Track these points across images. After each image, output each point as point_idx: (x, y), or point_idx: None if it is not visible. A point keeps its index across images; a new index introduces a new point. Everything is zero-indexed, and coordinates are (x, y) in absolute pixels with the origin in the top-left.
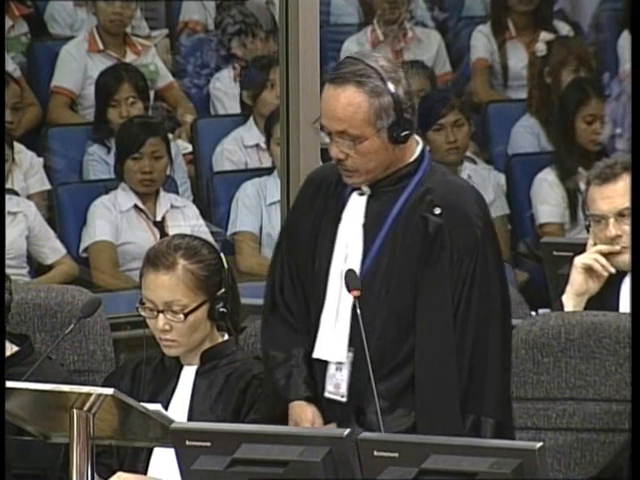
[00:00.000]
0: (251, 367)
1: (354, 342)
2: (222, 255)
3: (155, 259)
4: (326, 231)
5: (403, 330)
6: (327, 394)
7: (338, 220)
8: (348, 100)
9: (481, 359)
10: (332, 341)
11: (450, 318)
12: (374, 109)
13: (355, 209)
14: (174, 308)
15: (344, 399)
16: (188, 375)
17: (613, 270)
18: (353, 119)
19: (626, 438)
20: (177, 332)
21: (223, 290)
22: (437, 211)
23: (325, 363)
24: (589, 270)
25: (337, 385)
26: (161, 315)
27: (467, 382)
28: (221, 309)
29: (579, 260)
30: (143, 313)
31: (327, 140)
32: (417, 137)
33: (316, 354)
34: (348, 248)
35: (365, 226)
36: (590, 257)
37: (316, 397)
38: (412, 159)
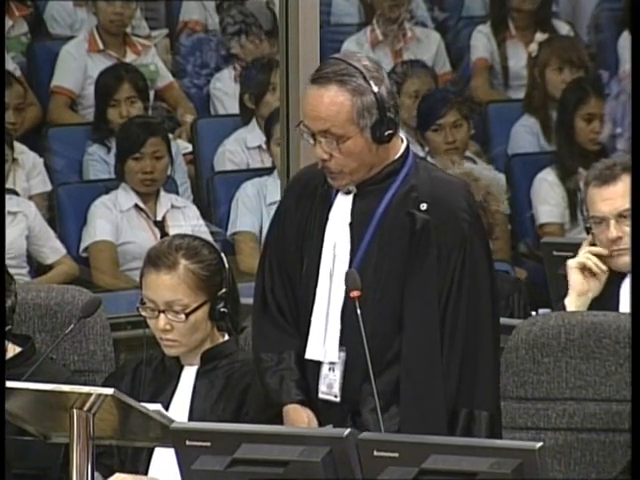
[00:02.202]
0: (252, 368)
1: (345, 342)
2: (223, 255)
3: (156, 259)
4: (313, 231)
5: (393, 328)
6: (320, 394)
7: (325, 220)
8: (331, 99)
9: (473, 353)
10: (323, 341)
11: (436, 314)
12: (357, 108)
13: (341, 208)
14: (175, 308)
15: (337, 399)
16: (188, 375)
17: (605, 268)
18: (336, 118)
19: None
20: (178, 332)
21: (224, 290)
22: (423, 207)
23: (318, 364)
24: (584, 269)
25: (330, 385)
26: (162, 315)
27: (459, 377)
28: (222, 309)
29: (572, 261)
30: (144, 313)
31: (311, 141)
32: (401, 135)
33: (308, 355)
34: (336, 248)
35: (352, 225)
36: (582, 256)
37: (310, 400)
38: (397, 156)
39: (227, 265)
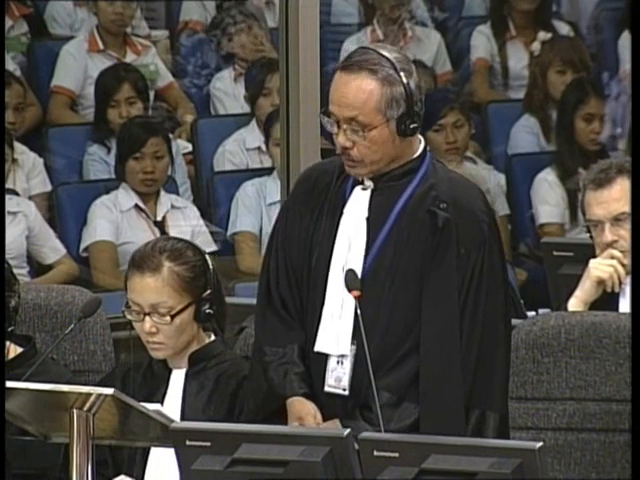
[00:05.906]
0: (241, 367)
1: (357, 335)
2: (207, 257)
3: (140, 261)
4: (325, 225)
5: (408, 323)
6: (327, 388)
7: (340, 214)
8: (360, 87)
9: (488, 354)
10: (335, 334)
11: (456, 312)
12: (386, 97)
13: (359, 203)
14: (160, 310)
15: (346, 392)
16: (178, 378)
17: (625, 282)
18: (364, 106)
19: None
20: (164, 334)
21: (209, 291)
22: (443, 206)
23: (324, 357)
24: (602, 282)
25: (338, 379)
26: (147, 318)
27: (474, 376)
28: (207, 310)
29: (594, 272)
30: (129, 316)
31: (334, 130)
32: (418, 134)
33: (318, 347)
34: (351, 242)
35: (369, 220)
36: (606, 270)
37: (313, 394)
38: (415, 155)
39: (212, 266)
